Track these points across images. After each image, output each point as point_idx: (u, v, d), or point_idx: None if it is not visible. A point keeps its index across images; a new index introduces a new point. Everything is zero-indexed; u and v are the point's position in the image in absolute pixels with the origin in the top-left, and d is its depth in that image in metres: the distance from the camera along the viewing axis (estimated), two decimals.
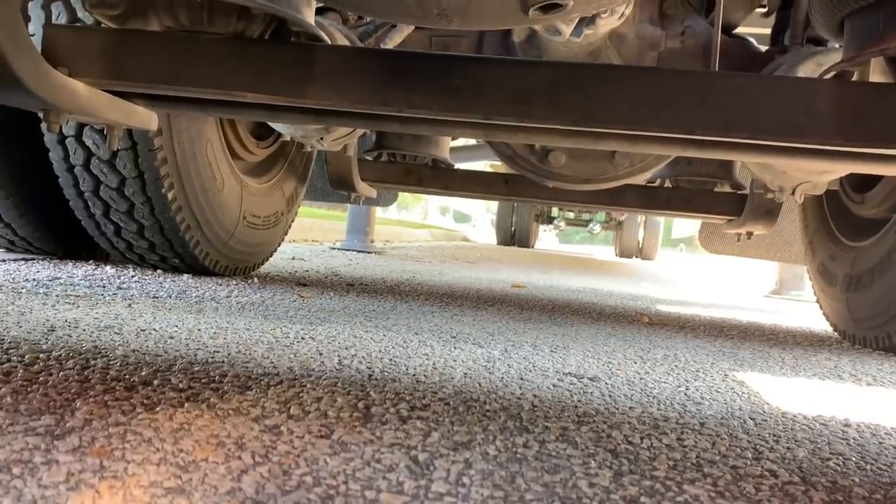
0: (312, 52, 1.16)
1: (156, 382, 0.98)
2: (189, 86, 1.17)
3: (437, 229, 16.24)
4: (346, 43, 1.66)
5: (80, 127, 2.00)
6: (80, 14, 1.85)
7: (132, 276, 2.16)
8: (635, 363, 1.54)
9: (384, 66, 1.14)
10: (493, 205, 14.50)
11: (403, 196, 21.93)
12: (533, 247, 13.03)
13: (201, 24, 1.20)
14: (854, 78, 1.23)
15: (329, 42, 1.43)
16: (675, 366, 1.56)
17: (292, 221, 2.87)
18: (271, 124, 2.17)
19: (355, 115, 1.31)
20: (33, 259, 2.36)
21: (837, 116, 1.06)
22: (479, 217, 24.22)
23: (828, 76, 1.20)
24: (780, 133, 1.07)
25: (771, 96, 1.07)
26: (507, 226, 12.55)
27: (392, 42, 1.87)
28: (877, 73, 1.20)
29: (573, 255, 12.89)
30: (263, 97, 1.16)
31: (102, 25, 1.23)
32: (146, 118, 1.31)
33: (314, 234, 6.49)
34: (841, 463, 0.94)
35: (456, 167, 3.20)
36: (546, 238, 18.67)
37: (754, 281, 7.32)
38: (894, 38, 1.07)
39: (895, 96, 1.05)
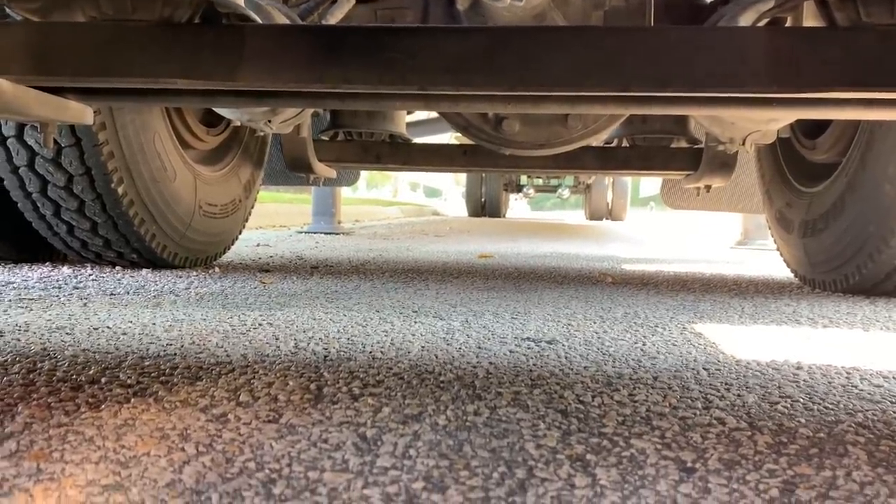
0: (242, 32, 1.13)
1: (103, 380, 0.96)
2: (118, 76, 1.14)
3: (408, 205, 16.19)
4: (286, 22, 1.63)
5: (21, 127, 1.95)
6: (7, 10, 1.79)
7: (89, 275, 2.12)
8: (595, 323, 1.55)
9: (317, 43, 1.12)
10: (463, 177, 14.45)
11: (373, 174, 21.73)
12: (504, 216, 13.06)
13: (126, 11, 1.18)
14: (788, 24, 1.23)
15: (261, 22, 1.40)
16: (634, 322, 1.58)
17: (252, 208, 2.84)
18: (217, 110, 2.14)
19: (294, 94, 1.29)
20: None
21: (771, 63, 1.06)
22: (450, 190, 24.17)
23: (762, 23, 1.20)
24: (715, 84, 1.07)
25: (704, 48, 1.06)
26: (476, 197, 12.54)
27: (333, 18, 1.84)
28: (809, 18, 1.21)
29: (544, 221, 12.94)
30: (196, 83, 1.14)
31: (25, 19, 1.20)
32: (79, 113, 1.27)
33: (281, 220, 6.44)
34: (789, 405, 0.95)
35: (414, 141, 3.18)
36: (517, 207, 18.70)
37: (721, 233, 7.41)
38: None
39: (825, 40, 1.06)
